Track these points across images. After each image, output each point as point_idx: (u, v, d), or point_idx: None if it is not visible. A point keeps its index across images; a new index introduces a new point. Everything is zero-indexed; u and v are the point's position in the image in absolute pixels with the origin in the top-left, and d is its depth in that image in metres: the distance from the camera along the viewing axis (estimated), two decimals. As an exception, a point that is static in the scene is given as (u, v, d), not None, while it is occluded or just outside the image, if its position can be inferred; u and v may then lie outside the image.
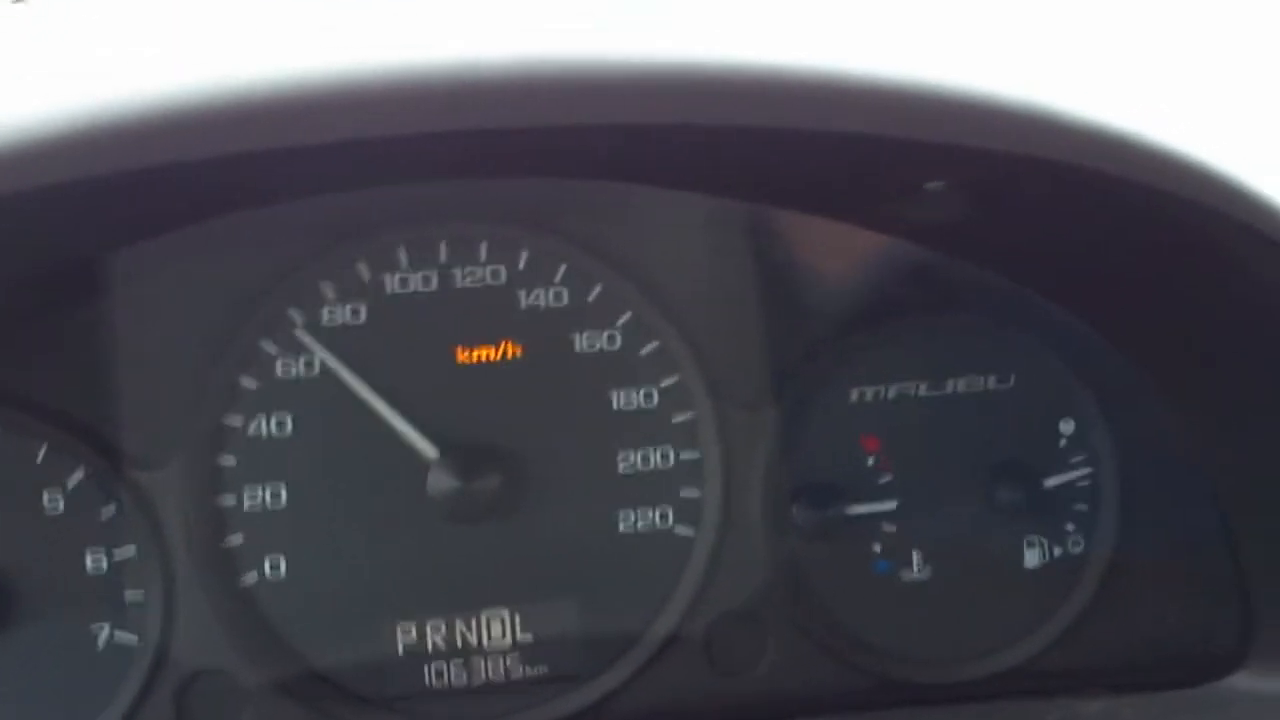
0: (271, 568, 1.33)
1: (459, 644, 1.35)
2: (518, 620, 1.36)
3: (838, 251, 1.38)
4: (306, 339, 1.32)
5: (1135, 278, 1.25)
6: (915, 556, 1.41)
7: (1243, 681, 1.30)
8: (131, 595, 1.30)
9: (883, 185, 1.20)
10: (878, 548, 1.41)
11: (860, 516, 1.40)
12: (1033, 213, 1.20)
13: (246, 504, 1.32)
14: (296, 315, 1.32)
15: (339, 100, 0.91)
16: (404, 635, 1.35)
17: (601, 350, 1.36)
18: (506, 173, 1.26)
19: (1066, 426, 1.43)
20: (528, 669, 1.36)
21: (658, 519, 1.38)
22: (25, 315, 1.27)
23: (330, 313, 1.33)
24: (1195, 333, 1.26)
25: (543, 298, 1.35)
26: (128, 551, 1.30)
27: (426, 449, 1.32)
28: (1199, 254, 1.15)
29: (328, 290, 1.33)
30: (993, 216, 1.22)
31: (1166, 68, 1.09)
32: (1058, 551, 1.43)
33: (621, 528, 1.37)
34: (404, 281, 1.34)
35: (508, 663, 1.36)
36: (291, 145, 0.95)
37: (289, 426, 1.32)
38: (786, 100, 0.97)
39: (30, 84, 0.91)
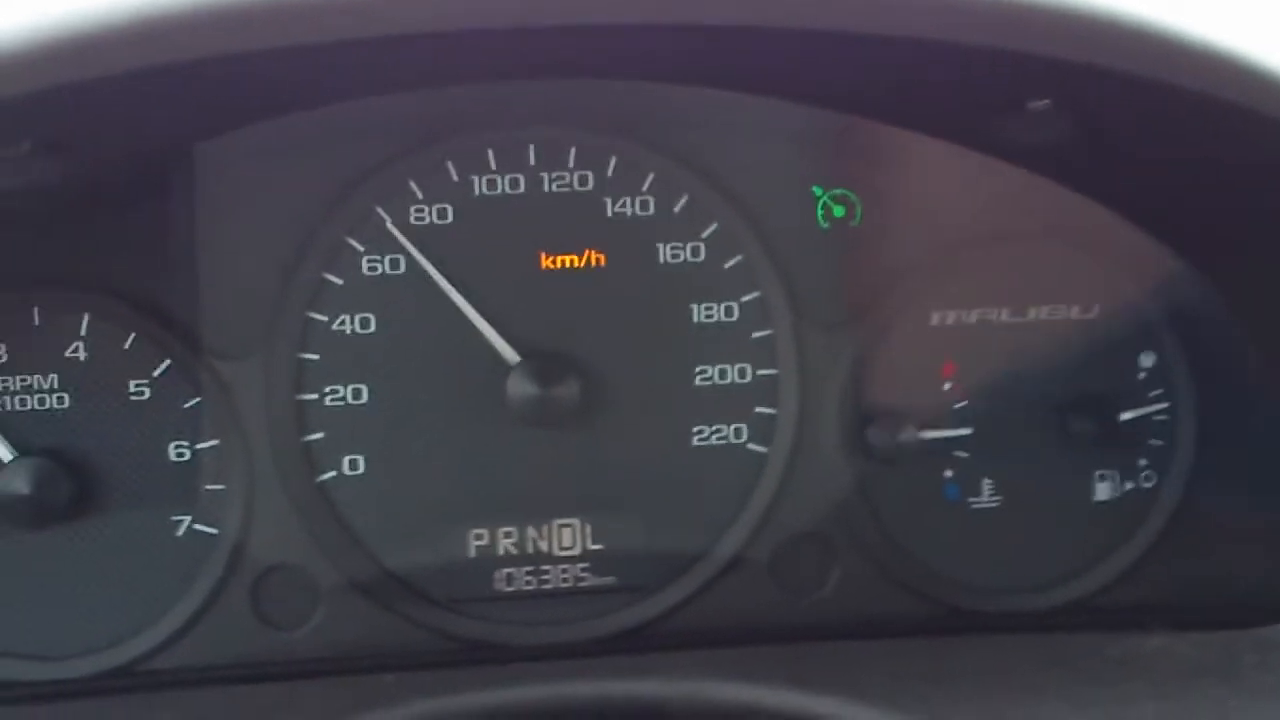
0: (350, 466, 1.34)
1: (529, 550, 1.36)
2: (588, 530, 1.37)
3: (930, 170, 1.36)
4: (394, 237, 1.32)
5: (1233, 211, 1.23)
6: (985, 484, 1.41)
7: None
8: (212, 487, 1.32)
9: (985, 101, 1.18)
10: (949, 474, 1.41)
11: (933, 442, 1.39)
12: (1136, 137, 1.17)
13: (328, 400, 1.33)
14: (384, 213, 1.32)
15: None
16: (476, 539, 1.36)
17: (685, 262, 1.36)
18: (599, 75, 1.25)
19: (1147, 360, 1.42)
20: (595, 578, 1.37)
21: (732, 435, 1.38)
22: (118, 204, 1.28)
23: (418, 212, 1.32)
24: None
25: (629, 206, 1.35)
26: (210, 443, 1.31)
27: (508, 353, 1.32)
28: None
29: (416, 189, 1.32)
30: (1094, 139, 1.20)
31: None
32: (1129, 486, 1.42)
33: (695, 442, 1.37)
34: (492, 183, 1.33)
35: (576, 571, 1.37)
36: (385, 36, 0.94)
37: (372, 325, 1.33)
38: (888, 7, 0.96)
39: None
